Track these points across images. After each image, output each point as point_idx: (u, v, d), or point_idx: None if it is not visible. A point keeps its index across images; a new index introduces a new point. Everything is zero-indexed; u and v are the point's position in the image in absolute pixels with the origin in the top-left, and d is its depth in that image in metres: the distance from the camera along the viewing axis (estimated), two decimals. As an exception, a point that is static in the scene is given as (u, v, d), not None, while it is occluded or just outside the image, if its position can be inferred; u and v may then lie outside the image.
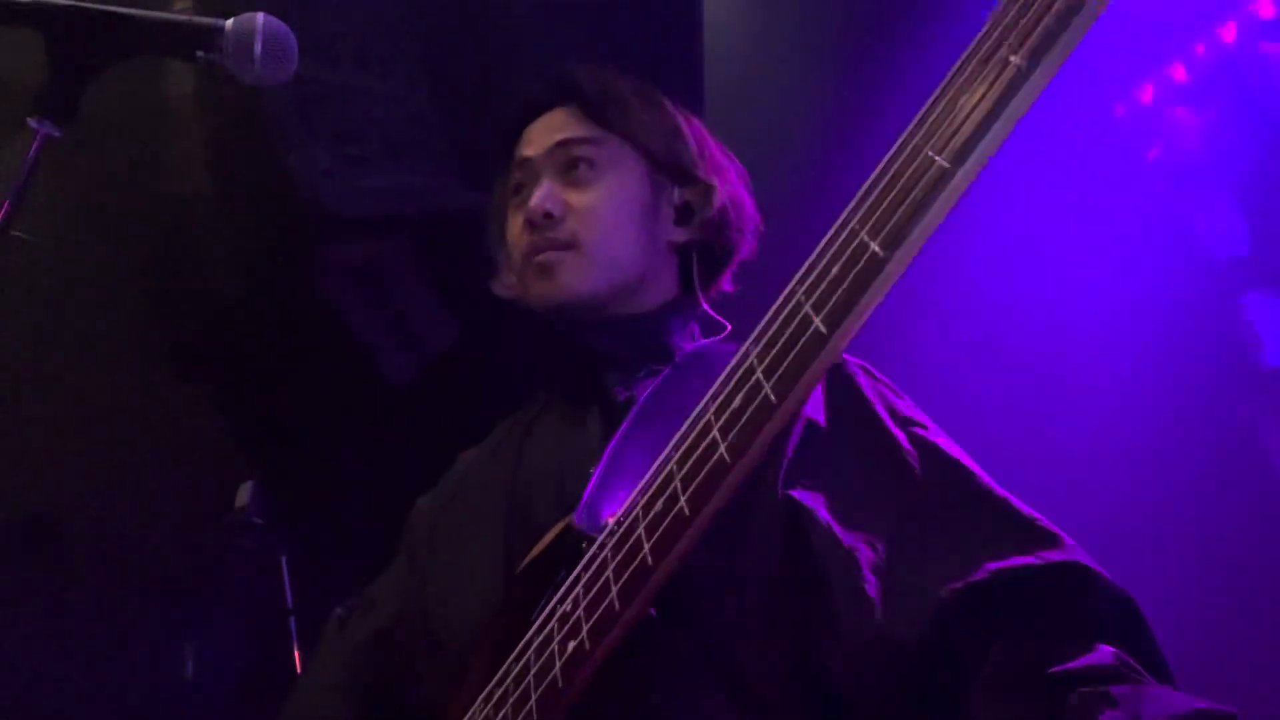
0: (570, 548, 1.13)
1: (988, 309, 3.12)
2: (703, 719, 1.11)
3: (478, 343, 3.46)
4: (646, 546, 0.94)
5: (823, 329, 0.86)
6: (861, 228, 0.86)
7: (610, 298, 1.41)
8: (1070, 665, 0.98)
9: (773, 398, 0.88)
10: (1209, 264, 3.30)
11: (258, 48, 1.22)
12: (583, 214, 1.42)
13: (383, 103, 3.52)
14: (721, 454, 0.89)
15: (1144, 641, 1.03)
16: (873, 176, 0.89)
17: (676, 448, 0.99)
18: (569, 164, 1.45)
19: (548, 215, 1.41)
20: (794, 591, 1.13)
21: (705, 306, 1.50)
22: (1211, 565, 2.97)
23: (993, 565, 1.05)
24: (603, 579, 1.00)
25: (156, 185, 3.32)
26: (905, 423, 1.24)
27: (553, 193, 1.43)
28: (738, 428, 0.88)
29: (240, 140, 3.35)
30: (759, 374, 0.90)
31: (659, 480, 0.99)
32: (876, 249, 0.83)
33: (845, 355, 1.30)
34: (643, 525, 0.97)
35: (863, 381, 1.29)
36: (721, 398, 0.94)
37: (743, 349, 1.00)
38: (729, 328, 1.48)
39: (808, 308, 0.88)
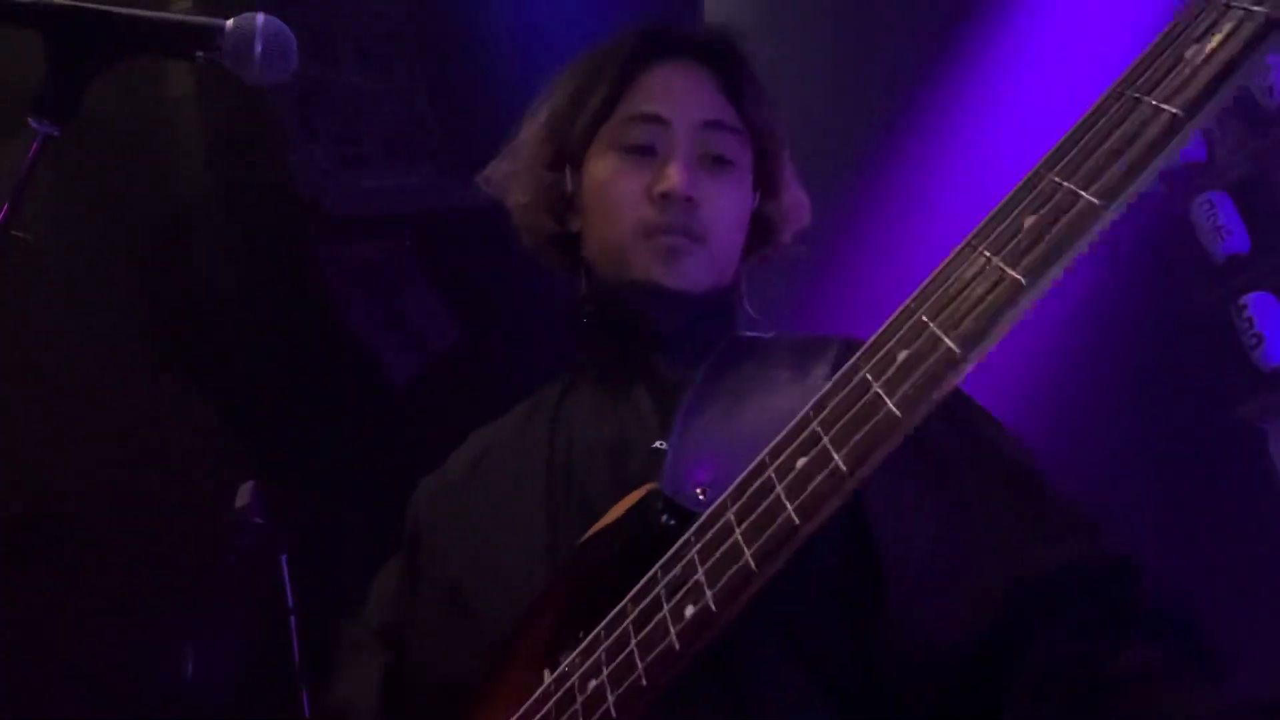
0: (650, 516, 1.10)
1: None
2: (786, 697, 1.10)
3: (478, 343, 3.47)
4: (790, 506, 0.92)
5: (896, 412, 0.89)
6: (931, 319, 0.92)
7: (708, 295, 1.38)
8: (1116, 664, 0.96)
9: (896, 412, 0.91)
10: (1209, 264, 3.30)
11: (258, 47, 1.22)
12: (716, 209, 1.37)
13: (383, 103, 3.53)
14: (889, 409, 0.89)
15: (1194, 636, 1.00)
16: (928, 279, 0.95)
17: (820, 406, 0.95)
18: (714, 153, 1.39)
19: (689, 199, 1.35)
20: (858, 580, 1.12)
21: (745, 303, 1.47)
22: (1211, 565, 2.97)
23: (1036, 563, 1.04)
24: (729, 541, 0.97)
25: (156, 185, 3.32)
26: (954, 413, 1.21)
27: (699, 177, 1.36)
28: (907, 384, 0.90)
29: (240, 140, 3.35)
30: (875, 387, 0.94)
31: (801, 437, 0.95)
32: (953, 346, 0.90)
33: None
34: (781, 486, 0.94)
35: None
36: (882, 352, 0.95)
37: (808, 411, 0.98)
38: (761, 324, 1.46)
39: (877, 387, 0.91)
